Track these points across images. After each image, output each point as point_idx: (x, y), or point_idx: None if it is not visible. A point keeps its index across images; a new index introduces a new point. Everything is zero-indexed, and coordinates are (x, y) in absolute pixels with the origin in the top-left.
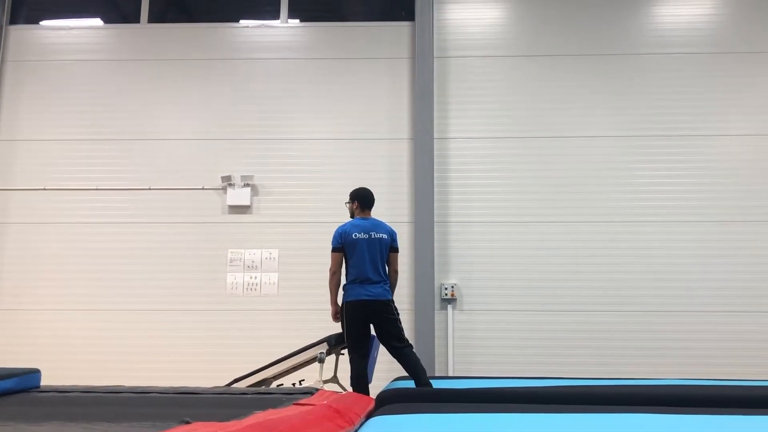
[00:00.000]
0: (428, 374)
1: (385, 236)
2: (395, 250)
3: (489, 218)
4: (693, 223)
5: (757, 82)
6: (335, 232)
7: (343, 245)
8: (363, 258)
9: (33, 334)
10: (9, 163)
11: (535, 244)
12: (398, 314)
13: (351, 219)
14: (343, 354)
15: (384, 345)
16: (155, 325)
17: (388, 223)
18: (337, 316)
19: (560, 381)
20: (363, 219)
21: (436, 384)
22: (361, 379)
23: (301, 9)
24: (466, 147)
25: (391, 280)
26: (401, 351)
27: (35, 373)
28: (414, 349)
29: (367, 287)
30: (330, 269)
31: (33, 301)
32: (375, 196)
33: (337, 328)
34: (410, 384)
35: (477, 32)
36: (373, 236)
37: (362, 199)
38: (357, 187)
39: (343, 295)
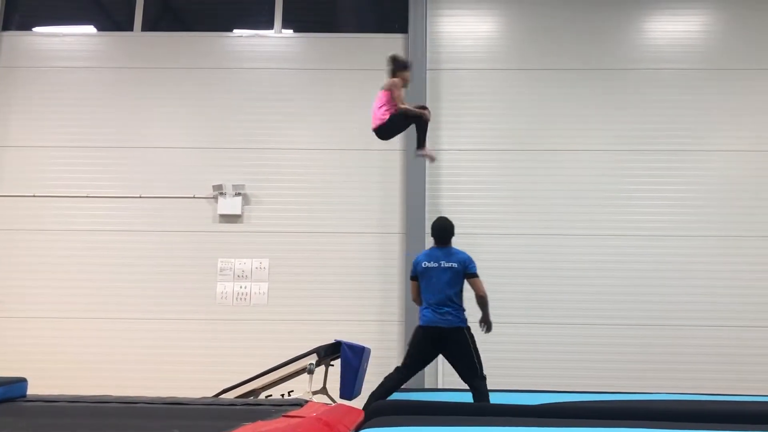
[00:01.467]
0: (417, 386)
1: (455, 265)
2: (472, 275)
3: (480, 230)
4: (687, 237)
5: (747, 98)
6: (413, 261)
7: (417, 274)
8: (430, 285)
9: (20, 342)
10: None
11: (527, 257)
12: (473, 341)
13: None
14: (332, 365)
15: (458, 374)
16: (143, 334)
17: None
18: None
19: (553, 395)
20: (438, 248)
21: (425, 396)
22: (388, 390)
23: (295, 19)
24: (458, 159)
25: (478, 305)
26: (471, 384)
27: (22, 382)
28: (485, 381)
29: (436, 314)
30: (411, 297)
31: (20, 309)
32: (374, 209)
33: (326, 339)
34: (400, 396)
35: (470, 45)
36: (442, 265)
37: (433, 232)
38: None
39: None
